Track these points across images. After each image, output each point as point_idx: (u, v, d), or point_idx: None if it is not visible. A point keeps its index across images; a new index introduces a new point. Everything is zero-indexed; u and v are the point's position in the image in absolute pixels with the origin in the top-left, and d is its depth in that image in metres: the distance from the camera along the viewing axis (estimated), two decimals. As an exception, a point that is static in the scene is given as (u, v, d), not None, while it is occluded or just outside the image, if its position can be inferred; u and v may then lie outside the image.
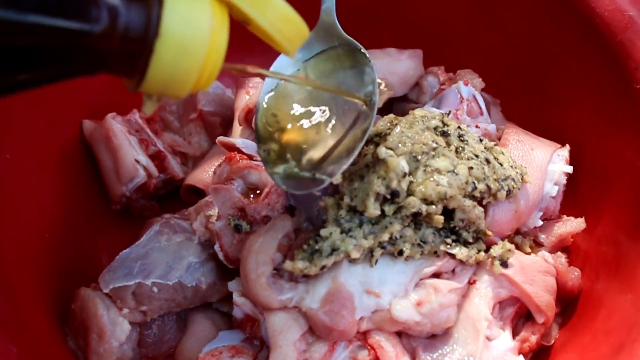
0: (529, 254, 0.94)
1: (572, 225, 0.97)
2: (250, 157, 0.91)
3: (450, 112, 0.96)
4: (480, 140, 0.92)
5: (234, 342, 0.87)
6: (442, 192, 0.82)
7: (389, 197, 0.80)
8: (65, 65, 0.56)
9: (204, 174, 1.07)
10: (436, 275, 0.86)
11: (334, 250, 0.80)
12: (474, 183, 0.85)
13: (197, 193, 1.08)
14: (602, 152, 0.99)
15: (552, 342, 0.92)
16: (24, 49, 0.53)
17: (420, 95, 1.09)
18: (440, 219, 0.83)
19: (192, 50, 0.59)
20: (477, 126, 0.99)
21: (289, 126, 0.84)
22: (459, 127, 0.91)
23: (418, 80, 1.10)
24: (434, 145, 0.86)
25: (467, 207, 0.84)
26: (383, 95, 1.00)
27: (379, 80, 0.87)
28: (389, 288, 0.83)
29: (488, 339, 0.85)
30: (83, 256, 1.04)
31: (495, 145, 0.93)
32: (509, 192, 0.88)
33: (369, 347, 0.82)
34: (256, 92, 1.00)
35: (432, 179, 0.82)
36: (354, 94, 0.82)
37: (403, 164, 0.81)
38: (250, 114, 0.97)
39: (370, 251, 0.82)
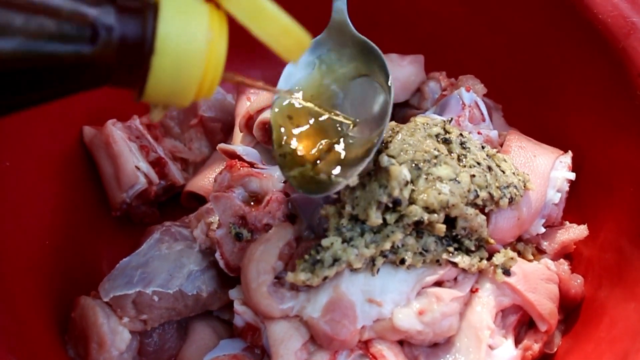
0: (531, 261, 0.93)
1: (574, 232, 0.96)
2: (251, 165, 0.91)
3: (452, 119, 0.96)
4: (482, 147, 0.91)
5: (235, 351, 0.86)
6: (444, 201, 0.81)
7: (390, 205, 0.80)
8: (66, 84, 0.58)
9: (204, 181, 1.07)
10: (438, 283, 0.86)
11: (335, 260, 0.79)
12: (476, 191, 0.84)
13: (198, 199, 1.08)
14: (604, 158, 0.99)
15: (555, 350, 0.92)
16: (26, 72, 0.54)
17: (422, 101, 1.08)
18: (442, 228, 0.82)
19: (189, 62, 0.59)
20: (479, 133, 0.98)
21: (305, 128, 0.84)
22: (461, 134, 0.91)
23: (419, 86, 1.09)
24: (436, 152, 0.85)
25: (469, 216, 0.83)
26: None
27: None
28: (391, 297, 0.82)
29: (490, 347, 0.84)
30: (83, 263, 1.03)
31: (497, 152, 0.93)
32: (511, 200, 0.87)
33: (371, 357, 0.82)
34: (257, 98, 0.99)
35: (434, 187, 0.82)
36: (348, 117, 0.84)
37: (405, 172, 0.80)
38: (251, 121, 0.97)
39: (372, 260, 0.82)
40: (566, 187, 0.96)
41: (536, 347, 0.88)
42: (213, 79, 0.62)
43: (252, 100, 1.05)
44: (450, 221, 0.84)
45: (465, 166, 0.86)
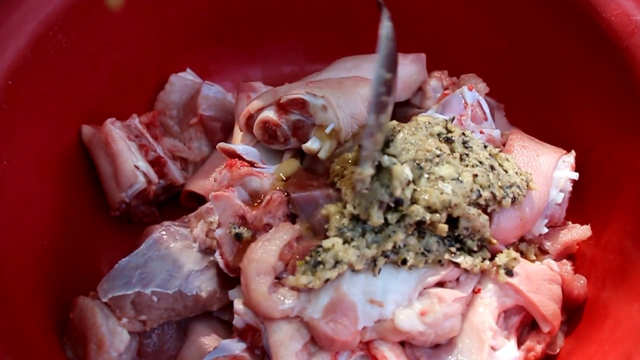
0: (534, 261, 0.93)
1: (577, 232, 0.96)
2: (252, 164, 0.90)
3: (454, 118, 0.95)
4: (485, 147, 0.90)
5: (235, 352, 0.85)
6: (447, 200, 0.80)
7: (392, 205, 0.79)
8: None
9: (204, 180, 1.06)
10: (440, 284, 0.85)
11: (337, 262, 0.79)
12: (478, 191, 0.84)
13: (198, 199, 1.07)
14: (608, 158, 0.98)
15: (558, 351, 0.91)
16: None
17: (424, 100, 1.07)
18: (444, 228, 0.81)
19: None
20: (481, 132, 0.97)
21: None
22: (463, 134, 0.90)
23: (421, 85, 1.08)
24: (438, 152, 0.85)
25: (471, 216, 0.83)
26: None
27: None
28: (393, 297, 0.82)
29: (493, 348, 0.84)
30: (82, 263, 1.02)
31: (499, 151, 0.92)
32: (514, 200, 0.87)
33: (372, 358, 0.81)
34: (257, 97, 0.98)
35: (436, 186, 0.81)
36: None
37: (407, 172, 0.79)
38: (251, 120, 0.96)
39: (374, 260, 0.81)
40: (569, 187, 0.96)
41: (539, 348, 0.87)
42: None
43: (252, 99, 1.04)
44: (452, 221, 0.84)
45: (467, 165, 0.85)
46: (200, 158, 1.14)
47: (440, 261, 0.84)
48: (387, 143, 0.85)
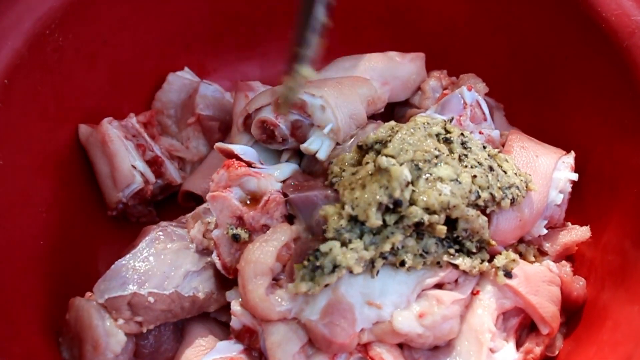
0: (533, 263, 0.92)
1: (577, 233, 0.95)
2: (249, 164, 0.89)
3: (453, 118, 0.94)
4: (484, 147, 0.90)
5: (232, 354, 0.85)
6: (445, 202, 0.80)
7: (391, 206, 0.78)
8: None
9: (201, 180, 1.05)
10: (439, 286, 0.85)
11: (335, 266, 0.78)
12: (477, 192, 0.83)
13: (195, 199, 1.07)
14: (607, 158, 0.97)
15: (557, 353, 0.91)
16: None
17: (423, 100, 1.07)
18: (443, 229, 0.81)
19: None
20: (480, 132, 0.97)
21: None
22: (462, 134, 0.89)
23: (420, 84, 1.08)
24: (437, 152, 0.84)
25: (470, 217, 0.82)
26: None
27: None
28: (391, 299, 0.81)
29: (491, 351, 0.83)
30: (78, 264, 1.02)
31: (499, 152, 0.91)
32: (513, 201, 0.86)
33: (370, 360, 0.81)
34: (256, 97, 0.97)
35: (434, 187, 0.80)
36: None
37: (406, 173, 0.79)
38: (249, 119, 0.95)
39: (372, 262, 0.80)
40: (569, 188, 0.95)
41: (538, 350, 0.86)
42: None
43: (251, 98, 1.03)
44: (451, 222, 0.83)
45: (466, 166, 0.85)
46: (198, 158, 1.14)
47: (438, 263, 0.83)
48: (385, 143, 0.84)
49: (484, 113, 0.99)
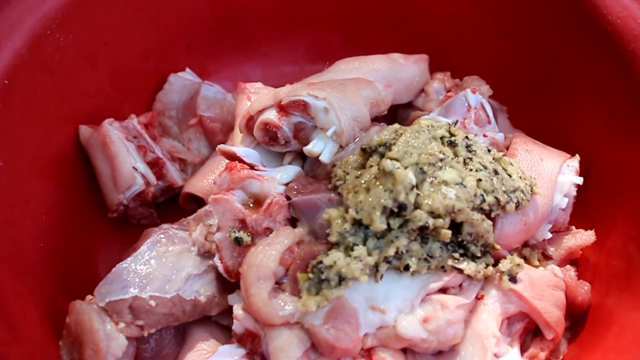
0: (537, 267, 0.92)
1: (581, 238, 0.94)
2: (252, 167, 0.89)
3: (457, 121, 0.94)
4: (489, 151, 0.89)
5: (234, 358, 0.84)
6: (450, 205, 0.79)
7: (395, 210, 0.78)
8: None
9: (203, 182, 1.04)
10: (443, 290, 0.84)
11: (341, 279, 0.77)
12: (482, 195, 0.82)
13: (197, 201, 1.06)
14: (612, 162, 0.97)
15: (561, 358, 0.90)
16: None
17: (426, 102, 1.06)
18: (447, 233, 0.80)
19: None
20: (484, 135, 0.96)
21: None
22: (467, 137, 0.88)
23: (424, 86, 1.07)
24: (441, 156, 0.83)
25: (475, 221, 0.81)
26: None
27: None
28: (395, 304, 0.81)
29: (496, 356, 0.83)
30: (79, 266, 1.01)
31: (503, 155, 0.91)
32: (518, 205, 0.85)
33: (374, 365, 0.80)
34: (258, 99, 0.96)
35: (439, 191, 0.80)
36: None
37: (411, 176, 0.78)
38: (252, 121, 0.94)
39: (376, 266, 0.80)
40: (573, 192, 0.94)
41: (542, 355, 0.86)
42: None
43: (253, 100, 1.02)
44: (455, 226, 0.82)
45: (471, 170, 0.84)
46: (200, 159, 1.13)
47: (443, 267, 0.83)
48: (390, 146, 0.83)
49: (488, 116, 0.99)
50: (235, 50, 1.24)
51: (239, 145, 0.97)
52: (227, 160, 0.92)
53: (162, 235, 0.91)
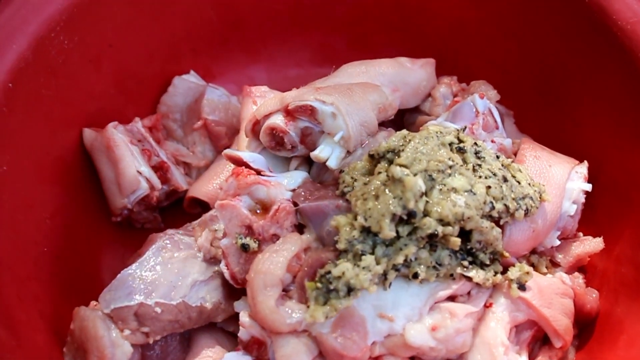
0: (545, 274, 0.91)
1: (590, 245, 0.94)
2: (258, 172, 0.88)
3: (465, 127, 0.93)
4: (497, 157, 0.88)
5: (240, 365, 0.83)
6: (460, 213, 0.78)
7: (405, 217, 0.77)
8: None
9: (208, 186, 1.03)
10: (451, 298, 0.83)
11: (350, 290, 0.76)
12: (491, 203, 0.81)
13: (201, 205, 1.05)
14: (621, 168, 0.96)
15: (569, 365, 0.89)
16: None
17: (433, 106, 1.05)
18: (457, 241, 0.79)
19: None
20: (492, 141, 0.95)
21: None
22: (476, 143, 0.88)
23: (431, 91, 1.06)
24: (450, 162, 0.82)
25: (484, 229, 0.81)
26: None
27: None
28: (403, 312, 0.80)
29: (504, 364, 0.82)
30: (83, 271, 1.00)
31: (512, 161, 0.90)
32: (527, 212, 0.85)
33: (382, 373, 0.79)
34: (264, 103, 0.96)
35: (448, 198, 0.79)
36: None
37: (420, 183, 0.77)
38: (257, 126, 0.94)
39: (384, 274, 0.79)
40: (582, 199, 0.94)
41: (550, 363, 0.85)
42: None
43: (259, 104, 1.01)
44: (464, 234, 0.81)
45: (480, 177, 0.83)
46: (204, 163, 1.12)
47: (452, 275, 0.82)
48: (398, 153, 0.83)
49: (496, 121, 0.98)
50: (240, 52, 1.23)
51: (244, 149, 0.96)
52: (232, 164, 0.91)
53: (167, 241, 0.90)
